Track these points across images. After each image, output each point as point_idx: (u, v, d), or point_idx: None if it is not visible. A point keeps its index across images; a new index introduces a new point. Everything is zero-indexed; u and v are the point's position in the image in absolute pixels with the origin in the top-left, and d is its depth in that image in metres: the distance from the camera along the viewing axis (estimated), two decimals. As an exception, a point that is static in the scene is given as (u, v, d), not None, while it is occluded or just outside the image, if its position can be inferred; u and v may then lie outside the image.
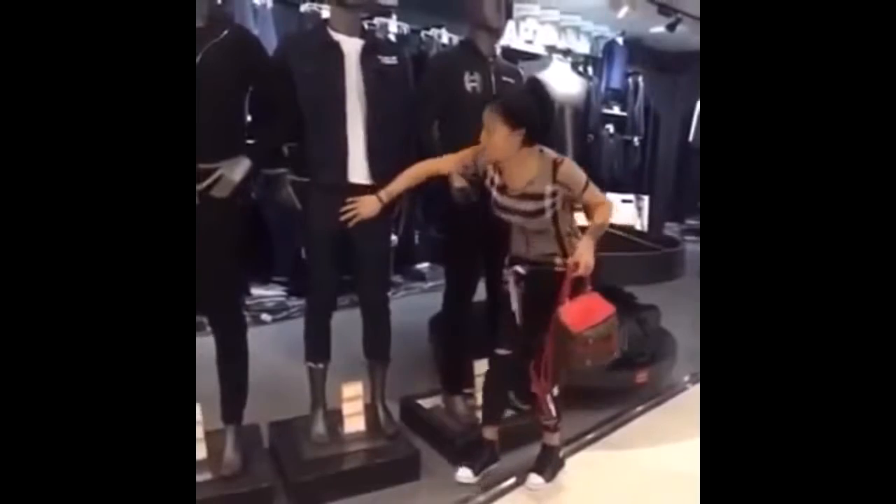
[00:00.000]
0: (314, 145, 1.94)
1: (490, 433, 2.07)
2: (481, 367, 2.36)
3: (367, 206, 1.90)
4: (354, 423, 2.11)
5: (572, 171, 1.84)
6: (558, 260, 1.88)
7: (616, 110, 6.29)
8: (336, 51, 1.91)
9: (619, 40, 5.95)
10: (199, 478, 1.82)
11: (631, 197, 2.96)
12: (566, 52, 3.14)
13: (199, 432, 1.89)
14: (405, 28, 4.38)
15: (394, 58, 2.04)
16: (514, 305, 1.92)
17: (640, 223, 2.91)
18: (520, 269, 1.93)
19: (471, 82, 2.15)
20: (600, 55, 5.98)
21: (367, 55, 1.95)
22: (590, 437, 2.43)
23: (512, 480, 2.10)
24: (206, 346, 2.03)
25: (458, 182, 2.10)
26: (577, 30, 5.86)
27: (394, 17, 4.30)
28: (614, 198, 3.05)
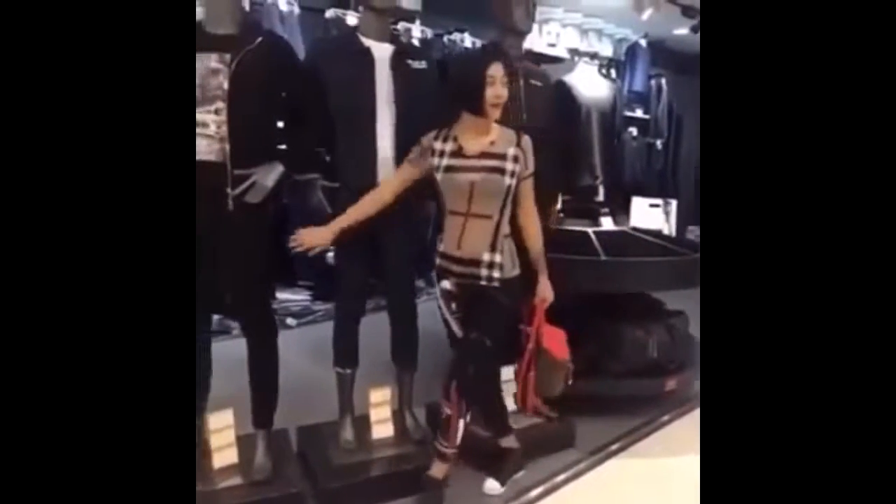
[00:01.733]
0: (344, 150, 1.95)
1: (508, 442, 2.02)
2: (508, 373, 2.35)
3: (316, 237, 1.79)
4: (382, 429, 2.10)
5: (530, 146, 1.82)
6: (483, 271, 1.78)
7: (639, 113, 6.23)
8: (367, 56, 1.92)
9: (643, 42, 5.90)
10: (231, 482, 1.84)
11: (659, 201, 2.92)
12: (593, 56, 3.11)
13: (231, 436, 1.90)
14: (428, 32, 4.38)
15: (423, 62, 2.04)
16: (454, 329, 1.86)
17: (668, 227, 2.87)
18: (448, 285, 1.84)
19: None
20: (622, 58, 5.93)
21: (398, 60, 1.95)
22: (617, 446, 2.39)
23: (540, 489, 2.08)
24: (235, 348, 2.05)
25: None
26: (599, 32, 5.83)
27: (417, 21, 4.31)
28: (640, 202, 3.01)
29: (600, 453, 2.32)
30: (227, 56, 1.72)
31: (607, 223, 2.77)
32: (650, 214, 2.88)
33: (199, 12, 1.81)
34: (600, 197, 3.19)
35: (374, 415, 2.09)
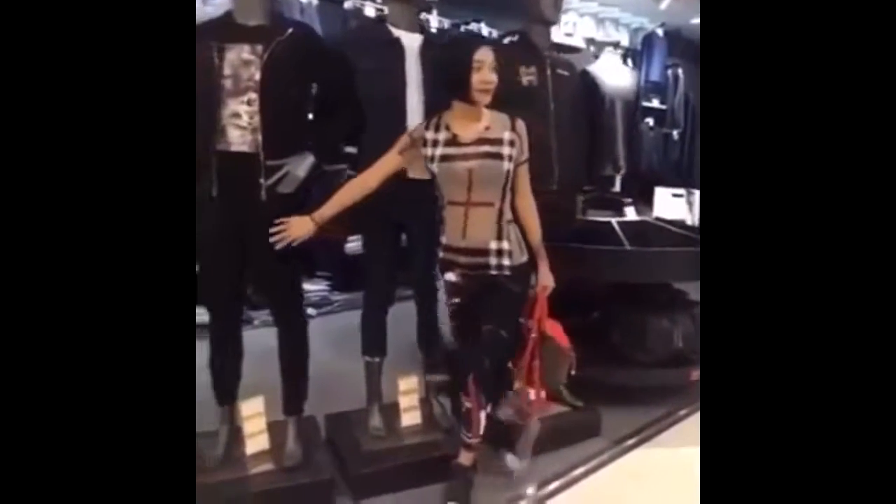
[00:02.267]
0: (374, 141, 1.95)
1: (503, 413, 2.00)
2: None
3: (299, 228, 1.71)
4: (411, 416, 2.12)
5: (525, 131, 1.79)
6: (493, 260, 1.74)
7: (655, 103, 6.18)
8: (397, 46, 1.92)
9: (659, 32, 5.84)
10: (263, 468, 1.87)
11: (682, 191, 2.90)
12: (616, 45, 3.10)
13: (262, 423, 1.93)
14: (445, 23, 4.37)
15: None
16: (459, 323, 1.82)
17: (691, 218, 2.86)
18: (453, 277, 1.79)
19: (527, 76, 2.14)
20: (639, 47, 5.88)
21: (427, 50, 1.95)
22: (642, 436, 2.40)
23: (565, 478, 2.09)
24: (263, 338, 2.08)
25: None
26: (616, 21, 5.79)
27: (434, 11, 4.30)
28: (663, 192, 3.00)
29: (625, 443, 2.33)
30: (259, 47, 1.73)
31: (631, 213, 2.76)
32: (673, 204, 2.87)
33: (229, 3, 1.82)
34: (616, 187, 3.19)
35: (403, 402, 2.11)
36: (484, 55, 1.64)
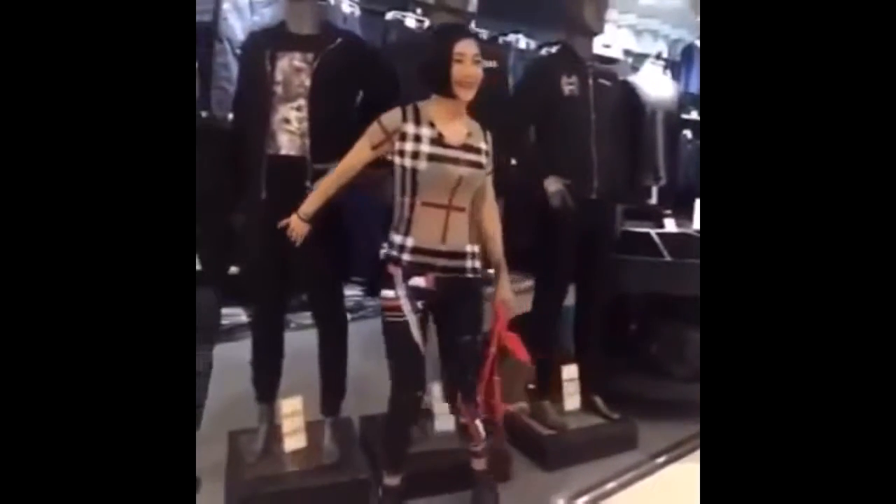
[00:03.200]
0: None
1: (394, 481, 1.76)
2: (570, 372, 2.35)
3: (298, 229, 1.70)
4: (445, 421, 2.13)
5: (492, 141, 1.72)
6: (469, 263, 1.67)
7: (694, 115, 6.10)
8: (443, 56, 1.95)
9: (698, 44, 5.77)
10: (300, 466, 1.90)
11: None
12: (658, 56, 3.08)
13: (300, 422, 1.96)
14: (483, 34, 4.40)
15: (494, 62, 2.07)
16: (416, 335, 1.62)
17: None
18: (422, 282, 1.62)
19: (569, 86, 2.15)
20: (678, 59, 5.82)
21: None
22: (678, 451, 2.35)
23: (600, 490, 2.06)
24: (301, 340, 2.12)
25: (555, 185, 2.10)
26: (654, 33, 5.75)
27: (472, 23, 4.33)
28: (698, 203, 2.96)
29: (663, 457, 2.29)
30: (310, 55, 1.79)
31: (670, 225, 2.73)
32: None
33: (283, 13, 1.89)
34: (653, 199, 3.16)
35: (437, 408, 2.12)
36: (466, 47, 1.56)
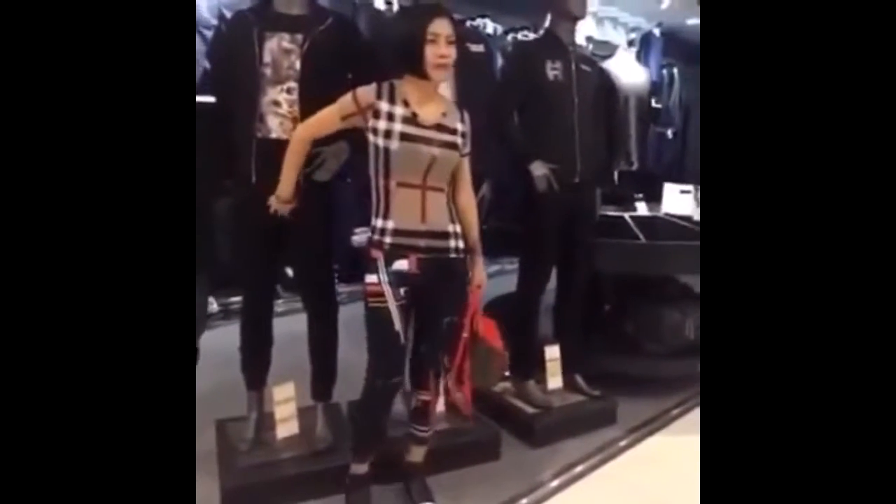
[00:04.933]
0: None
1: (362, 469, 1.76)
2: (552, 352, 2.42)
3: (282, 209, 1.71)
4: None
5: (470, 124, 1.69)
6: (452, 243, 1.65)
7: (651, 102, 6.28)
8: (430, 38, 1.94)
9: (656, 32, 5.93)
10: (294, 452, 1.89)
11: (689, 188, 2.97)
12: (630, 42, 3.16)
13: (293, 408, 1.95)
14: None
15: (480, 46, 2.08)
16: (397, 324, 1.59)
17: (698, 214, 2.93)
18: (405, 265, 1.59)
19: (552, 71, 2.18)
20: (636, 47, 5.97)
21: (458, 44, 1.97)
22: (656, 424, 2.47)
23: (583, 466, 2.14)
24: (293, 324, 2.09)
25: (540, 170, 2.14)
26: (614, 21, 5.86)
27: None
28: (672, 188, 3.07)
29: (640, 430, 2.39)
30: (299, 36, 1.74)
31: (642, 208, 2.83)
32: (681, 200, 2.94)
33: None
34: (615, 182, 3.26)
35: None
36: (440, 27, 1.53)
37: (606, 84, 2.69)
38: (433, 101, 1.63)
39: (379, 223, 1.61)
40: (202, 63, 2.96)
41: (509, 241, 2.71)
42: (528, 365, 2.37)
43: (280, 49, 1.74)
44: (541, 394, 2.33)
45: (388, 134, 1.56)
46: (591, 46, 5.21)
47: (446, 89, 1.96)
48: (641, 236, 2.56)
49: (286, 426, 1.93)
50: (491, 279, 1.91)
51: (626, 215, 2.75)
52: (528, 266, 2.33)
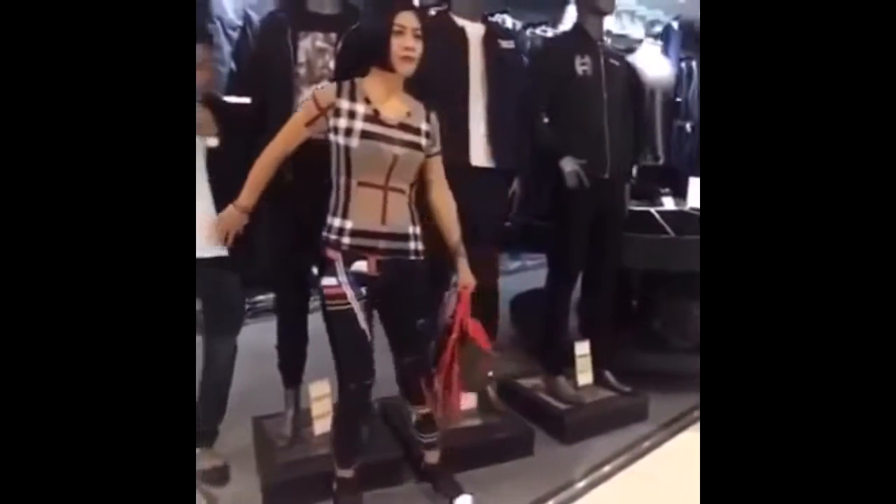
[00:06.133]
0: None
1: (348, 473, 1.71)
2: (582, 348, 2.42)
3: (231, 220, 1.61)
4: (467, 400, 2.16)
5: (437, 124, 1.66)
6: (411, 245, 1.61)
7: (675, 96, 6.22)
8: (461, 35, 1.95)
9: (675, 25, 5.87)
10: (328, 450, 1.90)
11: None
12: (656, 36, 3.13)
13: (328, 405, 1.97)
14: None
15: (511, 42, 2.08)
16: (363, 325, 1.56)
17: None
18: (364, 267, 1.56)
19: (582, 66, 2.17)
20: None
21: (489, 40, 1.99)
22: (685, 421, 2.45)
23: (614, 463, 2.14)
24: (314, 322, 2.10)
25: (570, 165, 2.14)
26: (631, 14, 5.81)
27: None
28: (697, 183, 3.04)
29: (672, 426, 2.38)
30: (333, 35, 1.76)
31: (669, 203, 2.81)
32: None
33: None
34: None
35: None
36: (406, 20, 1.50)
37: (633, 78, 2.67)
38: (397, 99, 1.59)
39: (337, 223, 1.56)
40: (229, 64, 3.00)
41: (535, 237, 2.71)
42: (559, 361, 2.38)
43: (314, 48, 1.75)
44: (571, 390, 2.34)
45: (348, 132, 1.52)
46: (609, 41, 5.19)
47: (479, 86, 1.98)
48: (669, 231, 2.55)
49: (322, 423, 1.95)
50: (512, 275, 1.93)
51: (654, 210, 2.74)
52: (558, 262, 2.33)
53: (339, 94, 1.55)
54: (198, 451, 1.96)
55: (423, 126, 1.61)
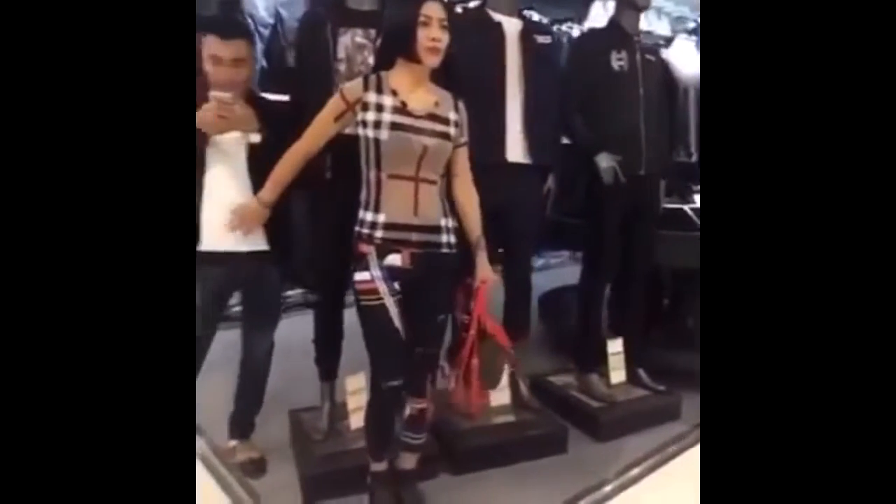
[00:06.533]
0: (473, 124, 1.98)
1: (381, 466, 1.72)
2: (615, 346, 2.40)
3: (252, 216, 1.62)
4: (500, 396, 2.16)
5: (465, 113, 1.63)
6: (444, 237, 1.58)
7: (696, 93, 6.15)
8: (498, 31, 1.95)
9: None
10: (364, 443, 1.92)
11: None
12: (691, 31, 3.09)
13: (363, 399, 1.97)
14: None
15: (547, 37, 2.07)
16: (396, 323, 1.53)
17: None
18: (398, 260, 1.53)
19: (618, 61, 2.16)
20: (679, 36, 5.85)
21: (526, 35, 1.98)
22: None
23: (647, 463, 2.12)
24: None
25: (607, 161, 2.12)
26: (658, 11, 5.75)
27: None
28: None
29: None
30: (372, 31, 1.76)
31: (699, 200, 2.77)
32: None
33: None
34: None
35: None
36: (432, 10, 1.47)
37: (668, 74, 2.64)
38: (424, 89, 1.56)
39: (369, 217, 1.54)
40: (261, 61, 3.02)
41: (563, 234, 2.70)
42: (592, 359, 2.36)
43: (354, 44, 1.76)
44: (604, 388, 2.32)
45: (377, 124, 1.50)
46: (679, 34, 5.13)
47: (516, 81, 1.97)
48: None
49: (358, 417, 1.95)
50: (538, 273, 1.92)
51: (687, 207, 2.70)
52: (592, 259, 2.32)
53: (366, 87, 1.53)
54: (236, 443, 1.99)
55: (452, 115, 1.58)
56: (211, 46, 1.63)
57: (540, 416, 2.15)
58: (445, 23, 1.49)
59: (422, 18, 1.46)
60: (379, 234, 1.53)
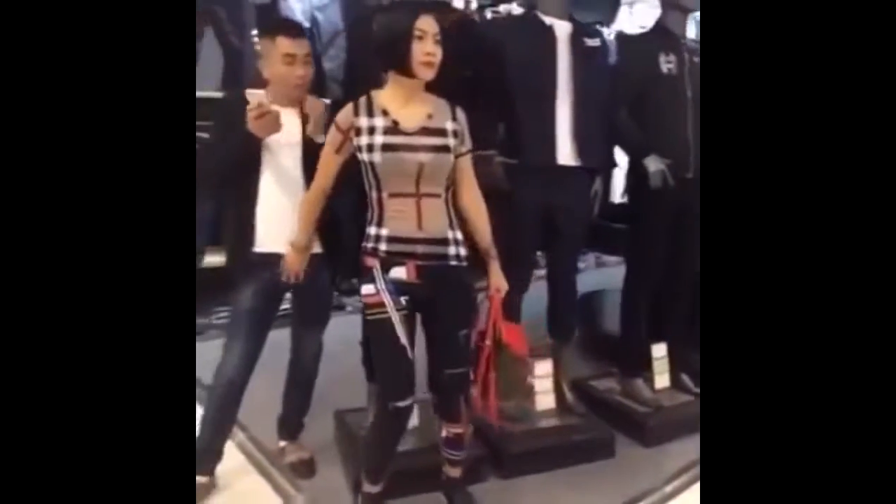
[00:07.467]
0: (524, 127, 1.98)
1: (375, 489, 1.67)
2: (659, 350, 2.38)
3: (295, 261, 1.66)
4: (546, 400, 2.15)
5: (465, 120, 1.59)
6: (451, 249, 1.55)
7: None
8: (549, 34, 1.95)
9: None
10: (412, 445, 1.92)
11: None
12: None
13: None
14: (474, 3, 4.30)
15: (597, 40, 2.06)
16: (402, 339, 1.50)
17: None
18: (403, 274, 1.52)
19: (666, 64, 2.14)
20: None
21: (576, 37, 1.97)
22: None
23: (690, 474, 2.08)
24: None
25: (656, 164, 2.11)
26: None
27: (514, 2, 4.28)
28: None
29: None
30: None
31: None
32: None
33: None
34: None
35: (539, 386, 2.13)
36: (427, 24, 1.45)
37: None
38: (417, 103, 1.53)
39: (373, 230, 1.54)
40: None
41: (605, 237, 2.68)
42: (637, 363, 2.34)
43: None
44: (649, 392, 2.30)
45: (370, 148, 1.49)
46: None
47: (566, 84, 1.97)
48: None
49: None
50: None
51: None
52: (638, 263, 2.30)
53: (356, 112, 1.52)
54: (284, 444, 2.00)
55: (449, 125, 1.54)
56: (283, 46, 1.66)
57: (586, 420, 2.14)
58: (439, 37, 1.47)
59: (417, 33, 1.44)
60: (383, 247, 1.52)
